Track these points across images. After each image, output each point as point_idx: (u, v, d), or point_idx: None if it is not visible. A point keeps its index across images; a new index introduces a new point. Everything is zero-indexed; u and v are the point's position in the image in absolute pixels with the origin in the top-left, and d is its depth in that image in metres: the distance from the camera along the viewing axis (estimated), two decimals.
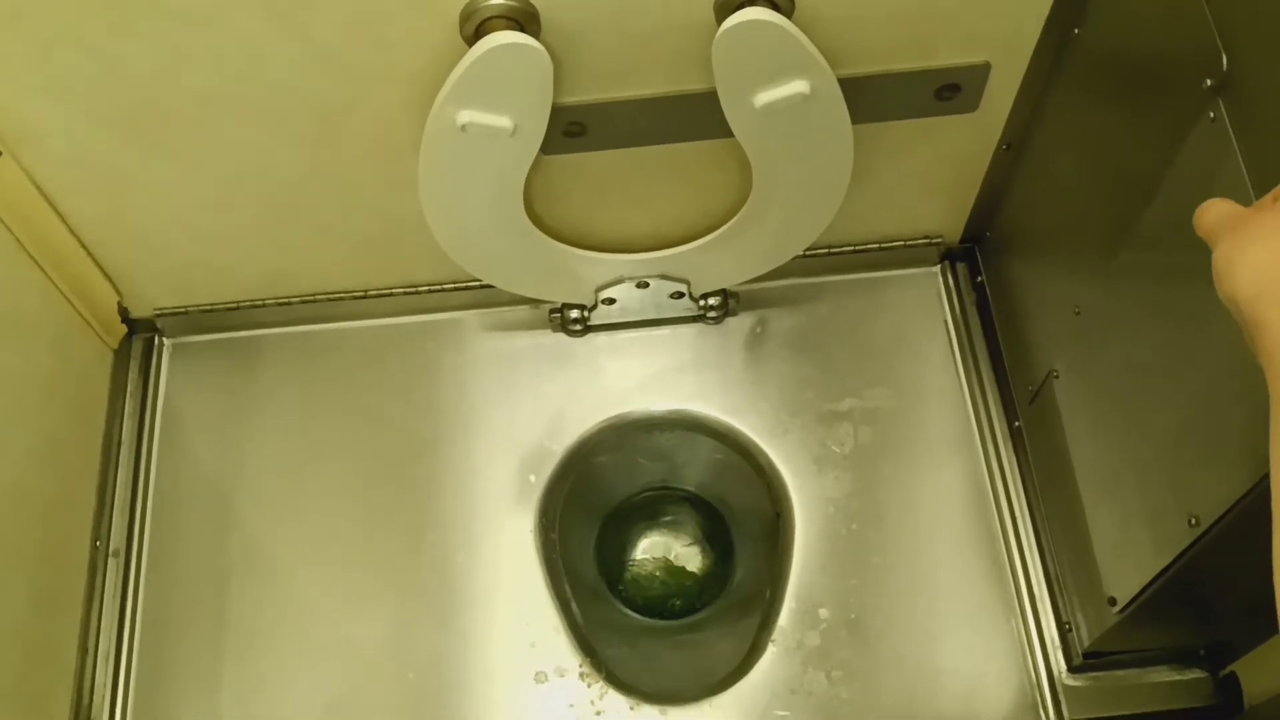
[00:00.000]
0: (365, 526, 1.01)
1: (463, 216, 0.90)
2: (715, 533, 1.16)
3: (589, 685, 0.95)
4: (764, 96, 0.78)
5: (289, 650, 0.97)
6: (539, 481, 1.03)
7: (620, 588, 1.14)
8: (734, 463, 1.08)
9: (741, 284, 1.06)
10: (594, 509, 1.14)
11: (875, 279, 1.11)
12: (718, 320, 1.09)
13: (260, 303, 1.07)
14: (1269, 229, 0.48)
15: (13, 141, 0.86)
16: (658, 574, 1.16)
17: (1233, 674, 0.92)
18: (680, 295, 1.05)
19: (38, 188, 0.90)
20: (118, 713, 0.95)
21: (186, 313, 1.08)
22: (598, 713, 0.94)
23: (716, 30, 0.74)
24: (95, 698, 0.95)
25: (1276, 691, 0.87)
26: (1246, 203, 0.54)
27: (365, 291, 1.08)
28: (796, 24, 0.75)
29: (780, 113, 0.79)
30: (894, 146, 0.95)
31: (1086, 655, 0.93)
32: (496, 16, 0.74)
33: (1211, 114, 0.64)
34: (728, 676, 0.96)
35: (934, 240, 1.09)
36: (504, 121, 0.78)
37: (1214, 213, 0.52)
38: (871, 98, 0.86)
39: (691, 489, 1.17)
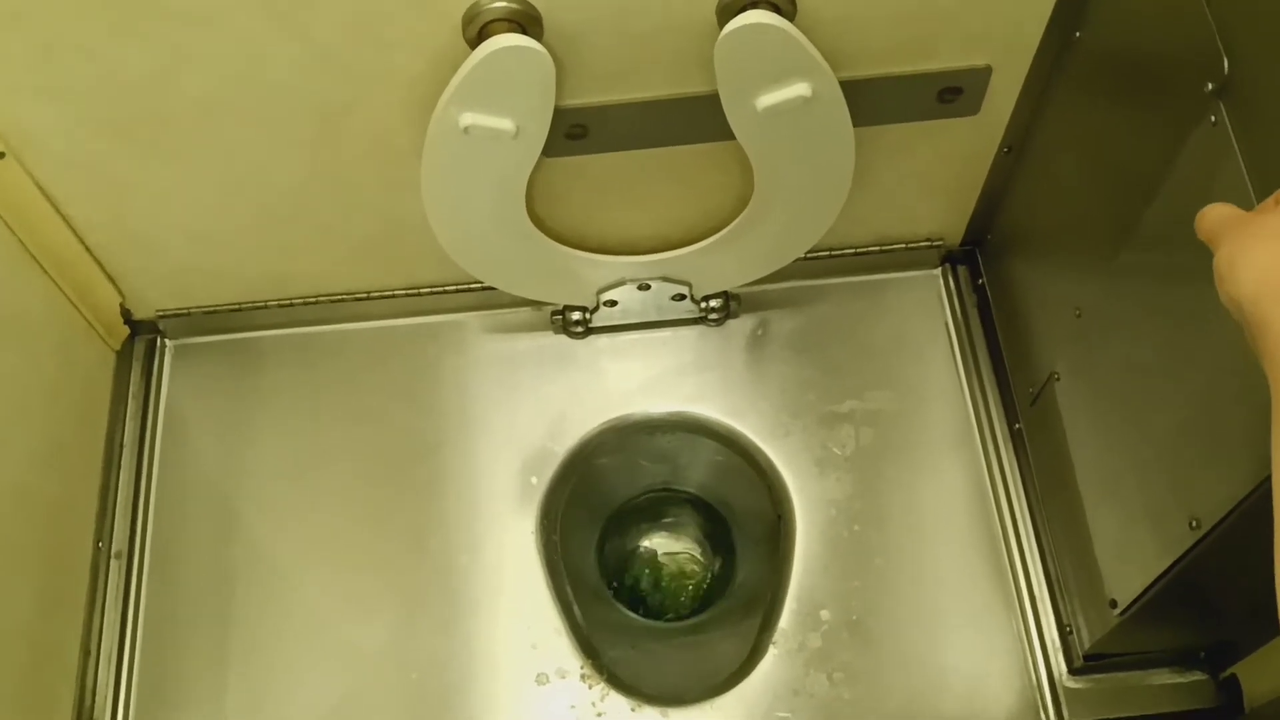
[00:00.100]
0: (367, 528, 1.02)
1: (465, 218, 0.90)
2: (717, 534, 1.16)
3: (590, 687, 0.95)
4: (766, 99, 0.79)
5: (291, 652, 0.97)
6: (541, 483, 1.03)
7: (621, 589, 1.14)
8: (735, 464, 1.08)
9: (743, 286, 1.06)
10: (596, 511, 1.14)
11: (876, 281, 1.11)
12: (719, 322, 1.09)
13: (262, 304, 1.07)
14: (1270, 231, 0.48)
15: (14, 143, 0.85)
16: (659, 576, 1.16)
17: (1234, 676, 0.92)
18: (682, 297, 1.05)
19: (40, 189, 0.90)
20: (120, 714, 0.95)
21: (189, 314, 1.08)
22: (599, 714, 0.94)
23: (718, 33, 0.74)
24: (98, 699, 0.95)
25: (1277, 694, 0.87)
26: (1247, 206, 0.54)
27: (367, 293, 1.08)
28: (798, 27, 0.75)
29: (782, 115, 0.80)
30: (895, 149, 0.95)
31: (1087, 657, 0.93)
32: (499, 19, 0.74)
33: (1213, 117, 0.64)
34: (729, 678, 0.96)
35: (935, 242, 1.09)
36: (506, 124, 0.79)
37: (1215, 216, 0.52)
38: (873, 100, 0.86)
39: (693, 490, 1.17)
